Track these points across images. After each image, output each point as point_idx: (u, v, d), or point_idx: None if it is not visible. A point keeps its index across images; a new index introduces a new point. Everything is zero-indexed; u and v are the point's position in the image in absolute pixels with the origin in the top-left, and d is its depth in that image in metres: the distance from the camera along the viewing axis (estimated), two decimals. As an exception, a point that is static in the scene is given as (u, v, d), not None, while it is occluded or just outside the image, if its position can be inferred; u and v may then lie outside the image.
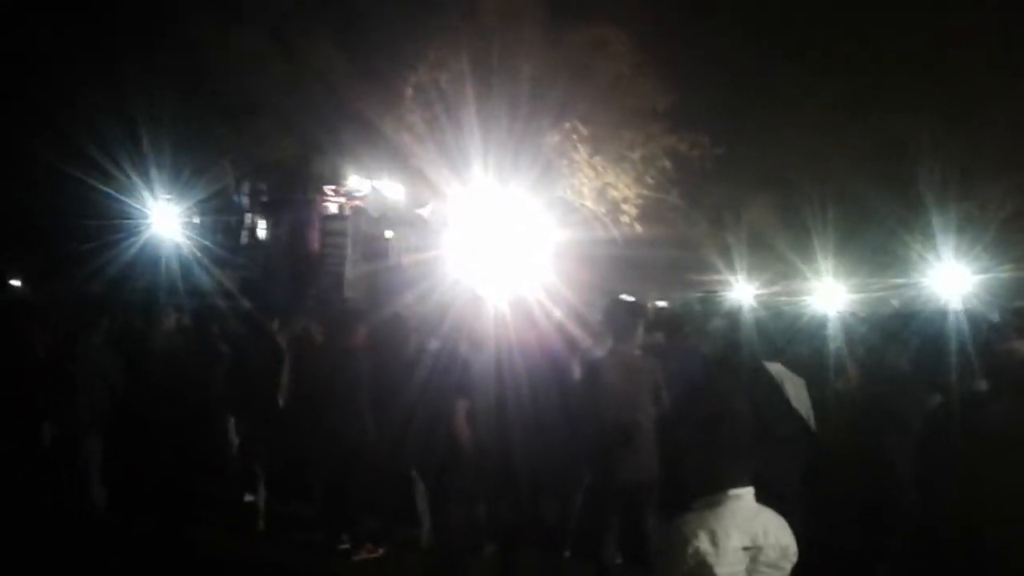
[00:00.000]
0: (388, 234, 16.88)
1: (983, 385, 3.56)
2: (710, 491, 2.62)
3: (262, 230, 18.13)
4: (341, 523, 6.90)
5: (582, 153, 22.44)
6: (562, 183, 22.55)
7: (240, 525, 7.35)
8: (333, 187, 17.38)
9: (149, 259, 17.88)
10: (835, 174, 22.32)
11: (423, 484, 6.84)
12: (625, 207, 22.84)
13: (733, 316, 5.05)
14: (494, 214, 19.20)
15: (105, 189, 19.31)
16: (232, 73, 20.58)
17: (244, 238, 18.28)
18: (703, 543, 2.52)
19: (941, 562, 3.36)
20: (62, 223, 21.00)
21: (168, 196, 19.97)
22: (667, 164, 22.76)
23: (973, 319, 3.80)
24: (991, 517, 3.18)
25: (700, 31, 20.80)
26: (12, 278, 21.42)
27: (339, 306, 12.14)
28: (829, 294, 20.56)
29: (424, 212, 18.69)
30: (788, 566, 2.66)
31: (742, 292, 21.22)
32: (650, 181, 23.01)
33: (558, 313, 6.70)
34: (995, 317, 7.69)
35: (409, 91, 22.17)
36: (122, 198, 19.65)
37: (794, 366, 6.09)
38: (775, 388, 4.71)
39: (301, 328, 8.69)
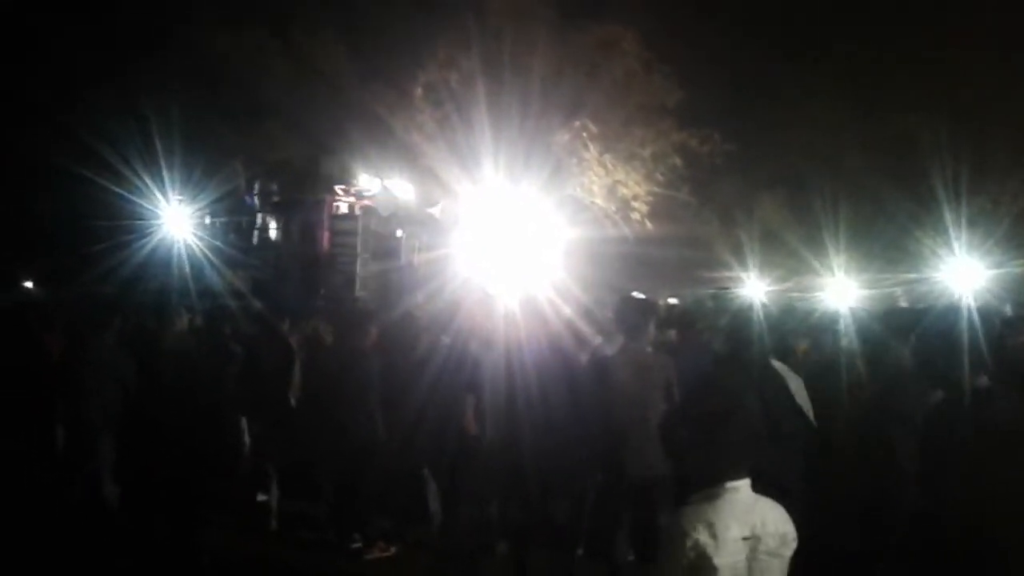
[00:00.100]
0: (399, 233, 16.86)
1: (985, 381, 3.52)
2: (709, 485, 2.64)
3: (273, 230, 18.13)
4: (352, 522, 6.90)
5: (592, 151, 22.44)
6: (572, 181, 22.56)
7: (252, 525, 7.37)
8: (343, 187, 17.38)
9: (161, 260, 17.93)
10: (846, 170, 22.27)
11: (435, 483, 6.86)
12: (635, 205, 22.83)
13: (743, 313, 5.02)
14: (504, 213, 19.20)
15: (116, 191, 19.42)
16: (242, 74, 20.67)
17: (255, 239, 18.29)
18: (702, 535, 2.54)
19: (944, 561, 3.34)
20: (74, 225, 21.17)
21: (179, 197, 20.03)
22: (677, 161, 22.72)
23: (985, 314, 3.76)
24: (995, 515, 3.15)
25: (709, 28, 20.85)
26: (25, 280, 21.60)
27: (350, 306, 12.15)
28: (841, 290, 20.49)
29: (435, 211, 18.70)
30: (788, 553, 2.67)
31: (754, 289, 21.14)
32: (660, 178, 22.99)
33: (568, 311, 6.69)
34: (1008, 312, 7.66)
35: (419, 90, 22.24)
36: (133, 200, 19.74)
37: (806, 363, 6.08)
38: (782, 385, 4.71)
39: (312, 328, 8.71)
